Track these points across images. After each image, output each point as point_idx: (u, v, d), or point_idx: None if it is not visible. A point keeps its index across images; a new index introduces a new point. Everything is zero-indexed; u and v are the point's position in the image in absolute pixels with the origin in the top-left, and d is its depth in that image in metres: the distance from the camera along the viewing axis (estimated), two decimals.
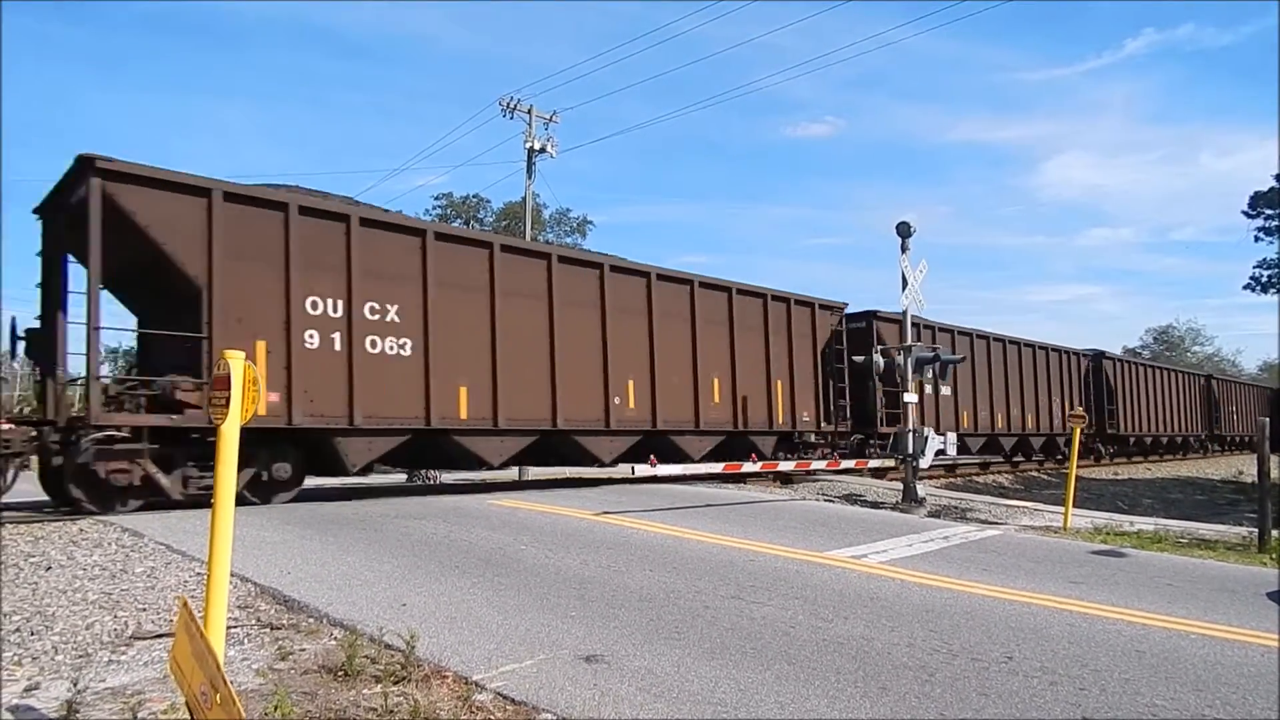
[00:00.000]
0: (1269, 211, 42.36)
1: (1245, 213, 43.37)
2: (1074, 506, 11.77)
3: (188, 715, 3.04)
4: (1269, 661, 4.82)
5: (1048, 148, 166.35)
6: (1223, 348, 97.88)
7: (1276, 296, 44.43)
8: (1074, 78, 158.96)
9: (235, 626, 5.06)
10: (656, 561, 7.25)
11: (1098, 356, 29.47)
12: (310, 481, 11.88)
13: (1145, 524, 11.78)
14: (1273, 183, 41.57)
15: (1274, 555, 9.01)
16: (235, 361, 3.40)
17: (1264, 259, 45.06)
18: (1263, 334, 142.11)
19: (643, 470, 11.21)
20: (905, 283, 13.58)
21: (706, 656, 4.64)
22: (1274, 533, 9.88)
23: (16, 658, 4.51)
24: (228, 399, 3.35)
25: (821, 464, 15.22)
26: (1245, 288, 46.57)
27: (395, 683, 4.12)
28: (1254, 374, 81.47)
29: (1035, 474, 24.94)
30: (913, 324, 20.39)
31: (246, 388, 3.40)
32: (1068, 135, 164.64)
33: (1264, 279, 44.90)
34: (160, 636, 4.88)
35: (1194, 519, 14.56)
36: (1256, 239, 43.53)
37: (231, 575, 5.97)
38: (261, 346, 10.27)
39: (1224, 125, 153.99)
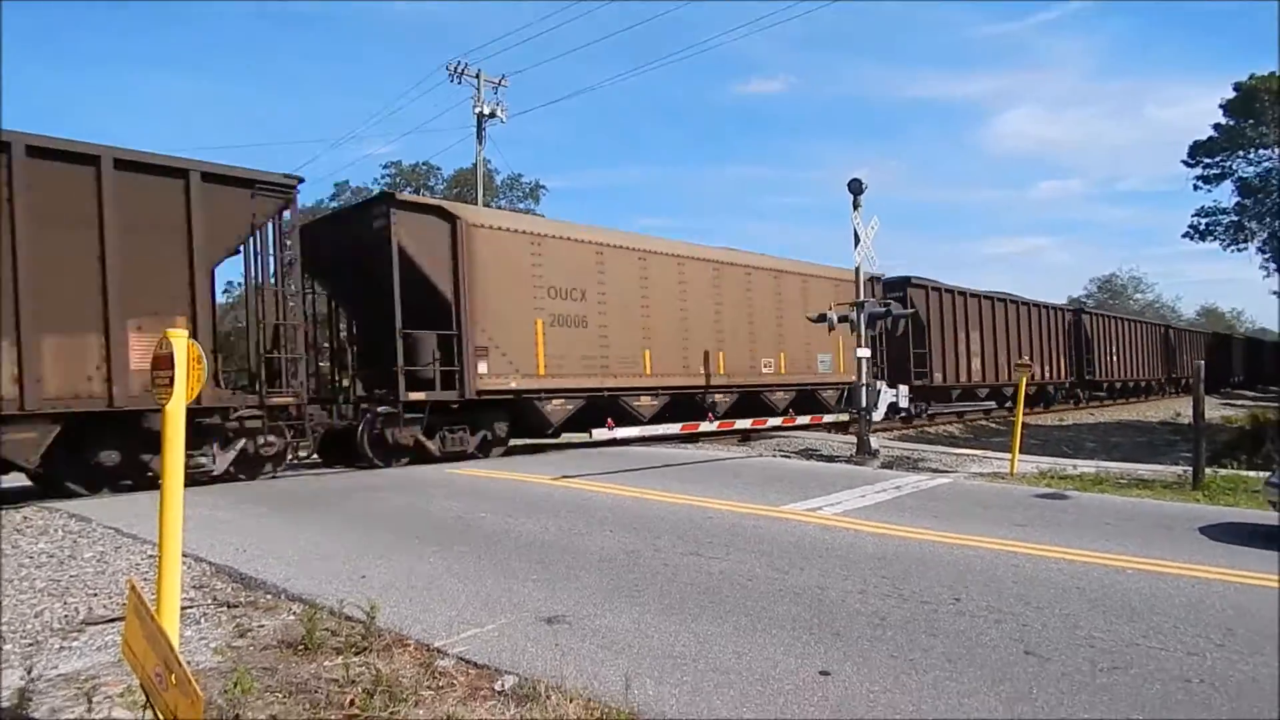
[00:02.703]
0: (1207, 160, 43.57)
1: (1185, 162, 44.63)
2: (1020, 452, 12.14)
3: (144, 698, 3.02)
4: (1199, 592, 5.06)
5: (1000, 102, 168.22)
6: (1163, 294, 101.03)
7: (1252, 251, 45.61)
8: (1023, 32, 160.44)
9: (191, 606, 5.02)
10: (616, 523, 7.32)
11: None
12: None
13: (1087, 467, 12.21)
14: (1212, 132, 42.70)
15: (1207, 492, 9.42)
16: (178, 340, 3.30)
17: (1202, 207, 46.50)
18: (1200, 280, 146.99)
19: (601, 434, 11.28)
20: (857, 239, 13.70)
21: (666, 612, 4.73)
22: (1207, 470, 10.32)
23: None
24: (171, 378, 3.26)
25: (778, 420, 15.44)
26: (1184, 236, 48.12)
27: (356, 654, 4.13)
28: (1192, 319, 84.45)
29: (984, 423, 25.65)
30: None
31: (191, 366, 3.31)
32: (1019, 89, 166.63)
33: (1202, 227, 46.35)
34: (112, 621, 4.80)
35: (1134, 460, 15.13)
36: (1195, 188, 44.86)
37: (185, 555, 5.92)
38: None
39: (1167, 77, 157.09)
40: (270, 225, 10.80)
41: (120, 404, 9.26)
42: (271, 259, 10.84)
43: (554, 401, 13.78)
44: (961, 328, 24.22)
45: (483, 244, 12.84)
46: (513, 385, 13.08)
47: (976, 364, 24.81)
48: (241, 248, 10.75)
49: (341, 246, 12.87)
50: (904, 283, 21.87)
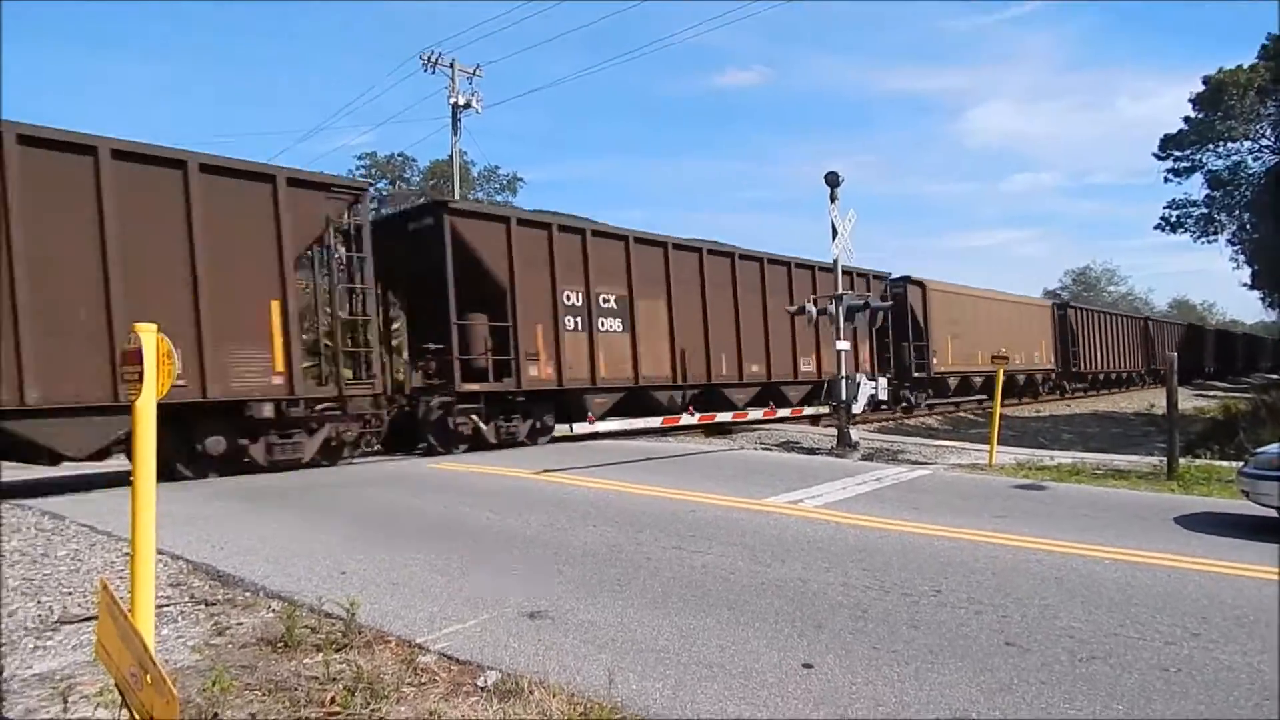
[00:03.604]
0: (1178, 153, 44.05)
1: (1156, 155, 45.02)
2: (998, 444, 12.25)
3: (120, 698, 2.97)
4: (1175, 582, 5.13)
5: (973, 96, 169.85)
6: (1135, 287, 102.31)
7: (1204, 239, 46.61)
8: (997, 26, 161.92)
9: (167, 604, 4.95)
10: (598, 517, 7.31)
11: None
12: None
13: (1064, 458, 12.35)
14: (1182, 125, 43.19)
15: (1181, 482, 9.55)
16: (148, 335, 3.23)
17: (1173, 199, 47.05)
18: (1171, 273, 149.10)
19: (582, 428, 11.27)
20: (835, 232, 13.74)
21: (649, 606, 4.72)
22: (1181, 460, 10.46)
23: None
24: (140, 374, 3.19)
25: (759, 413, 15.49)
26: (1156, 228, 48.61)
27: (337, 650, 4.09)
28: (1164, 311, 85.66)
29: (963, 414, 25.90)
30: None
31: (161, 361, 3.25)
32: (992, 83, 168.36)
33: (1173, 219, 46.91)
34: (88, 620, 4.73)
35: (1109, 451, 15.32)
36: (1166, 180, 45.30)
37: (162, 553, 5.84)
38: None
39: (1138, 70, 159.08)
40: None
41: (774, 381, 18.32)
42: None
43: (952, 379, 25.75)
44: (1096, 332, 36.56)
45: (935, 299, 24.63)
46: (950, 368, 25.38)
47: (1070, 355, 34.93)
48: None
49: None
50: (1064, 305, 35.59)
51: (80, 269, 9.02)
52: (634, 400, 15.17)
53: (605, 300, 14.36)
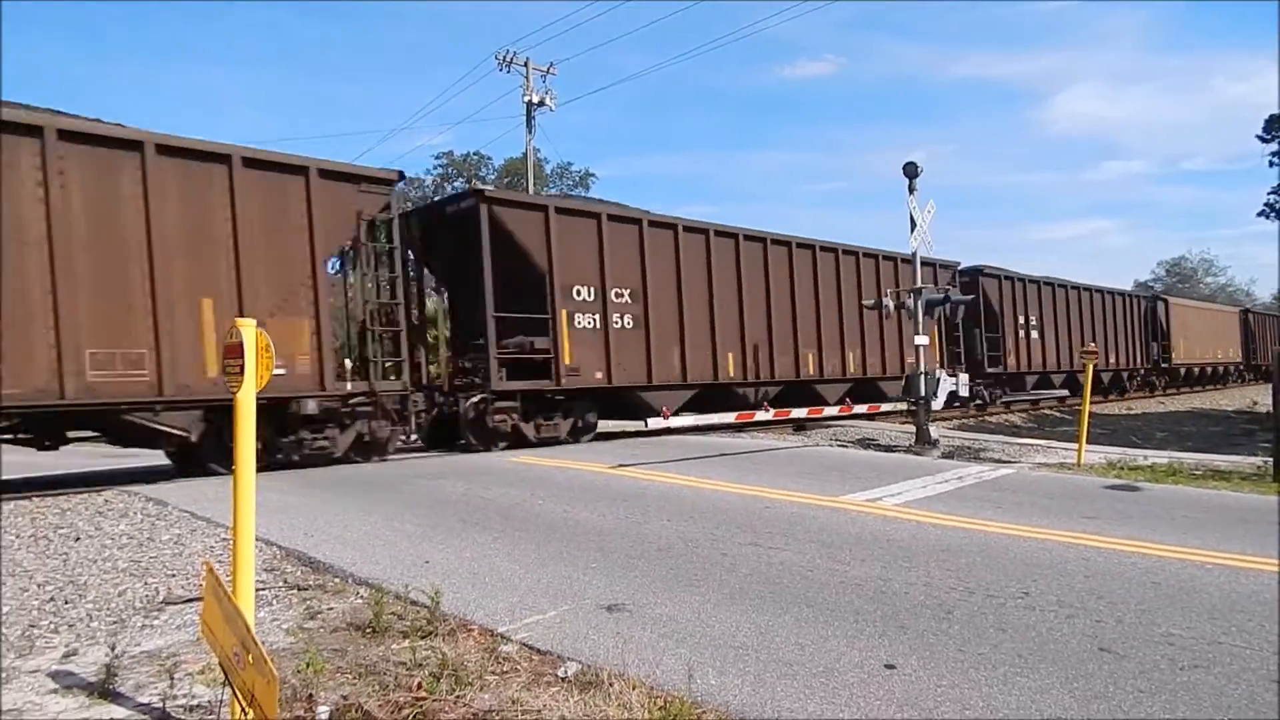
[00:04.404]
0: None
1: (1260, 137, 42.30)
2: (1087, 442, 11.78)
3: (222, 676, 3.12)
4: None
5: (1057, 81, 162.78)
6: (1235, 278, 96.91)
7: None
8: (1082, 7, 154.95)
9: (263, 588, 5.17)
10: (674, 512, 7.32)
11: None
12: None
13: (1159, 457, 11.80)
14: None
15: None
16: (248, 330, 3.37)
17: (1279, 184, 44.32)
18: (1273, 263, 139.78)
19: (657, 423, 11.30)
20: (914, 224, 13.40)
21: (726, 602, 4.71)
22: None
23: (53, 625, 4.63)
24: (242, 367, 3.34)
25: (834, 409, 15.25)
26: (1259, 215, 45.73)
27: (422, 637, 4.20)
28: (1267, 303, 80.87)
29: (1048, 412, 25.01)
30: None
31: (260, 355, 3.38)
32: (1077, 67, 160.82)
33: (1279, 205, 44.17)
34: (191, 601, 4.98)
35: (1208, 450, 14.56)
36: (1271, 164, 42.56)
37: (256, 539, 6.08)
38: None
39: (1236, 49, 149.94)
40: None
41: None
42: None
43: (1183, 368, 32.19)
44: (1267, 330, 42.75)
45: (1174, 310, 31.39)
46: (1182, 360, 31.94)
47: (1190, 348, 36.49)
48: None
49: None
50: (1246, 310, 43.22)
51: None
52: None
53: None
